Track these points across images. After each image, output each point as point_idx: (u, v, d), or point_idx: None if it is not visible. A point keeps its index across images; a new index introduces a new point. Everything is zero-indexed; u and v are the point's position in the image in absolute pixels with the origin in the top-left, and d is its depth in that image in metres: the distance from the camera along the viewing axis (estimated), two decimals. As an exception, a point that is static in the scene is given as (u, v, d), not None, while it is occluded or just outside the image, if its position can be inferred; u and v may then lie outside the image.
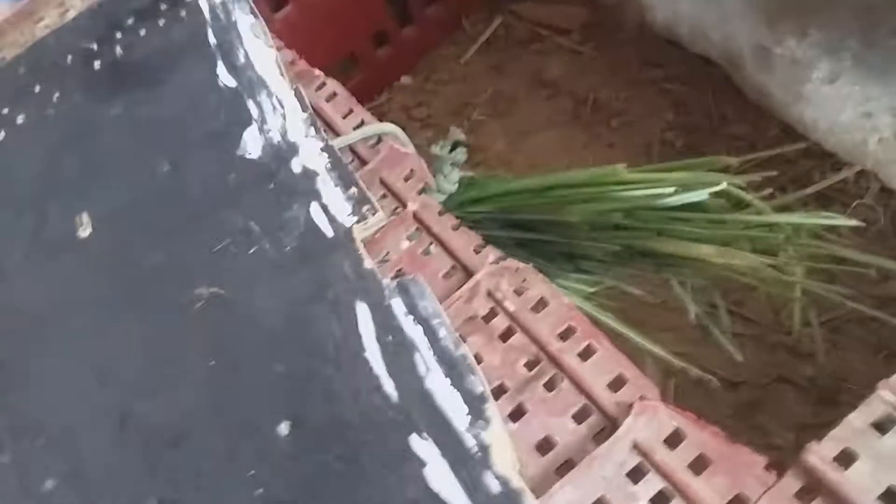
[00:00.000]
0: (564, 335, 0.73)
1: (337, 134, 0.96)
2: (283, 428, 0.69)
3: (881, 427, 0.59)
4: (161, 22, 1.11)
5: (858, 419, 0.60)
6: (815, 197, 1.38)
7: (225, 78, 1.00)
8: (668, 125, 1.57)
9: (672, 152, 1.55)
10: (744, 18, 1.37)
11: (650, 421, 0.65)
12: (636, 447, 0.63)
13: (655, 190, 0.81)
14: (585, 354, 0.71)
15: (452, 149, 1.02)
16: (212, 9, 1.10)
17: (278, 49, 1.09)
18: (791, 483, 0.59)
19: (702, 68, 1.58)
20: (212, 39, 1.05)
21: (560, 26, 1.79)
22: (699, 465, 0.62)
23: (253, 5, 1.13)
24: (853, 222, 0.78)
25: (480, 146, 1.71)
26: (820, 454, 0.58)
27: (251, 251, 0.83)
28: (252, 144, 0.92)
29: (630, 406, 0.67)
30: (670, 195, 0.80)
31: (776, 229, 0.84)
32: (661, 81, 1.63)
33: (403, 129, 1.86)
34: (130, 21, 1.14)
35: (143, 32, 1.11)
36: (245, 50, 1.03)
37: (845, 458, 0.58)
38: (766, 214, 0.85)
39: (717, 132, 1.52)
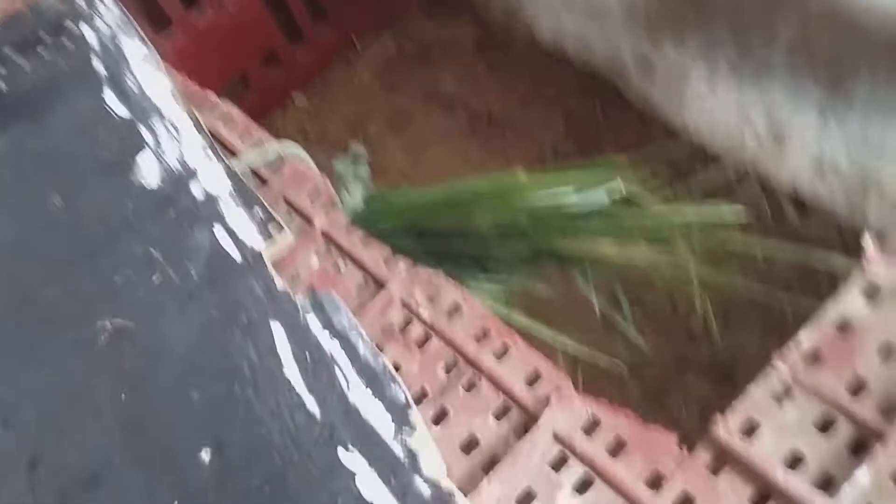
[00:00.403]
0: (479, 337, 0.75)
1: (236, 156, 0.95)
2: (205, 456, 0.68)
3: (779, 396, 0.63)
4: (45, 53, 1.08)
5: (758, 391, 0.64)
6: (701, 194, 1.45)
7: (115, 106, 0.98)
8: (560, 136, 1.63)
9: (565, 161, 1.60)
10: (625, 31, 1.43)
11: (567, 411, 0.67)
12: (556, 438, 0.65)
13: (557, 191, 0.84)
14: (501, 354, 0.73)
15: (355, 161, 1.03)
16: (98, 37, 1.07)
17: (168, 73, 1.07)
18: (702, 456, 0.62)
19: (589, 81, 1.65)
20: (99, 68, 1.02)
21: (451, 44, 1.83)
22: (616, 448, 0.64)
23: (140, 31, 1.10)
24: (738, 212, 0.83)
25: (380, 163, 1.72)
26: (726, 426, 0.62)
27: (155, 280, 0.81)
28: (148, 171, 0.90)
29: (547, 399, 0.69)
30: (570, 196, 0.83)
31: (669, 223, 0.89)
32: (551, 94, 1.69)
33: (299, 149, 1.85)
34: (11, 53, 1.10)
35: (26, 64, 1.07)
36: (135, 76, 1.01)
37: (749, 428, 0.62)
38: (658, 209, 0.90)
39: (606, 140, 1.59)
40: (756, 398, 0.64)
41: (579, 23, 1.57)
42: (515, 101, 1.72)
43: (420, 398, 0.73)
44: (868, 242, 0.69)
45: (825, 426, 0.61)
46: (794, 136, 1.31)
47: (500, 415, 0.70)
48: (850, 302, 0.67)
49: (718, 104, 1.39)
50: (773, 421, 0.62)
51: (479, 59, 1.80)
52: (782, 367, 0.65)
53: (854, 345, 0.65)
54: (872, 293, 0.67)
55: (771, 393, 0.64)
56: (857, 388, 0.62)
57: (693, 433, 1.15)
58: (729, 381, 1.26)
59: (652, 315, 1.33)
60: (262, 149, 0.94)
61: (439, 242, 0.93)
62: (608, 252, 0.85)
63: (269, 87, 1.77)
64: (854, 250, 1.29)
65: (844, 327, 0.66)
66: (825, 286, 1.10)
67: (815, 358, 0.65)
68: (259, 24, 1.66)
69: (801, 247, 1.31)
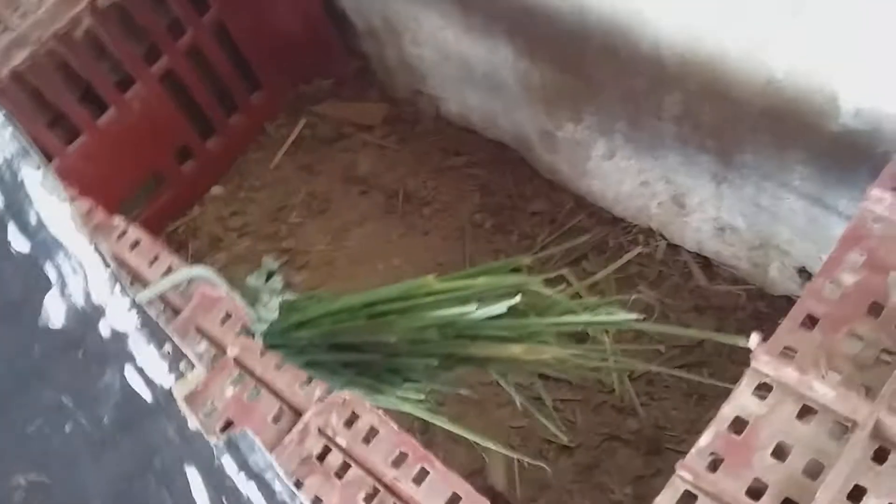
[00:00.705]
0: (398, 462, 0.76)
1: (144, 284, 0.95)
2: None
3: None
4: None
5: (664, 500, 0.66)
6: (612, 258, 1.50)
7: (17, 242, 0.96)
8: (475, 208, 1.66)
9: (483, 232, 1.63)
10: (525, 107, 1.49)
11: (487, 538, 0.68)
12: (477, 568, 0.67)
13: (462, 308, 0.86)
14: (419, 478, 0.74)
15: (268, 278, 1.03)
16: (-6, 167, 1.05)
17: (72, 199, 1.06)
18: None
19: (499, 151, 1.70)
20: (-2, 200, 1.01)
21: (362, 123, 1.85)
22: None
23: (37, 155, 1.09)
24: (634, 316, 0.87)
25: (301, 248, 1.73)
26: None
27: (68, 429, 0.80)
28: (54, 311, 0.89)
29: (467, 524, 0.70)
30: (474, 311, 0.86)
31: (575, 320, 0.92)
32: (463, 167, 1.72)
33: (220, 239, 1.85)
34: None
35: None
36: (36, 209, 0.99)
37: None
38: (564, 306, 0.93)
39: (519, 209, 1.63)
40: (662, 510, 0.66)
41: (482, 98, 1.62)
42: (428, 175, 1.75)
43: (342, 532, 0.73)
44: (754, 340, 0.73)
45: (730, 531, 0.64)
46: (692, 200, 1.37)
47: (422, 544, 0.70)
48: (743, 401, 0.71)
49: (620, 173, 1.45)
50: (678, 535, 0.65)
51: (390, 136, 1.83)
52: (686, 475, 0.67)
53: (751, 444, 0.69)
54: (763, 391, 0.71)
55: (677, 501, 0.66)
56: (757, 493, 0.65)
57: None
58: (657, 452, 1.29)
59: (577, 391, 1.36)
60: (172, 276, 0.93)
61: (355, 355, 0.94)
62: (519, 354, 0.88)
63: (185, 182, 1.76)
64: (760, 312, 1.36)
65: (740, 428, 0.69)
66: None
67: (715, 462, 0.68)
68: (168, 121, 1.65)
69: (709, 316, 1.37)
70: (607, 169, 1.45)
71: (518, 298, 0.85)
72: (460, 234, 1.65)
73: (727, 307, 1.38)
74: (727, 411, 0.70)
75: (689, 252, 1.46)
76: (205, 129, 1.78)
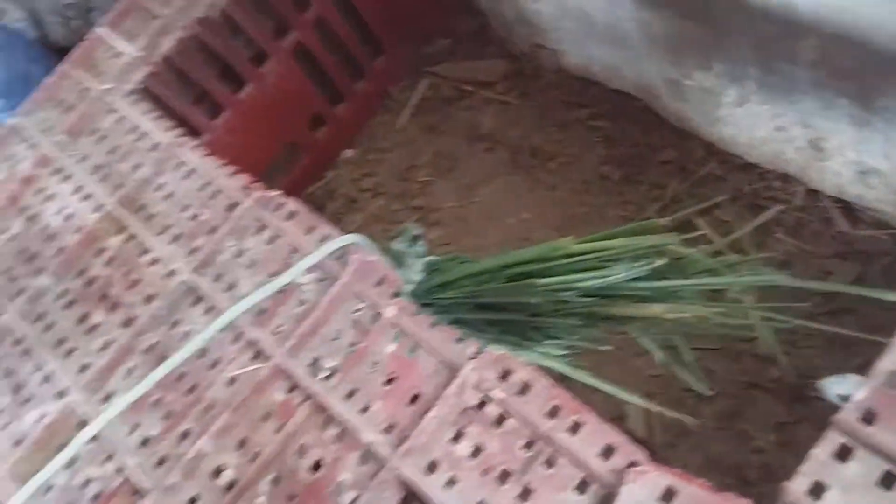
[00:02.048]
0: (552, 414, 0.81)
1: (304, 252, 1.02)
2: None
3: (842, 456, 0.68)
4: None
5: (822, 452, 0.69)
6: (748, 207, 1.48)
7: None
8: (601, 160, 1.67)
9: (611, 184, 1.64)
10: (650, 57, 1.47)
11: (644, 484, 0.73)
12: (636, 511, 0.71)
13: (604, 271, 0.89)
14: (574, 429, 0.79)
15: (412, 242, 1.10)
16: None
17: (231, 174, 1.15)
18: (773, 522, 0.67)
19: (623, 102, 1.69)
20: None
21: (483, 80, 1.88)
22: (693, 519, 0.69)
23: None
24: (777, 276, 0.87)
25: (432, 206, 1.79)
26: (794, 491, 0.67)
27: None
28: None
29: (623, 472, 0.75)
30: (618, 274, 0.89)
31: (718, 279, 0.93)
32: (587, 119, 1.73)
33: (354, 200, 1.94)
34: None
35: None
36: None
37: (817, 490, 0.66)
38: (704, 264, 0.94)
39: (647, 160, 1.62)
40: (820, 459, 0.68)
41: (604, 49, 1.61)
42: (552, 129, 1.76)
43: (504, 478, 0.79)
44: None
45: (889, 483, 0.66)
46: (831, 143, 1.33)
47: (581, 489, 0.76)
48: (899, 354, 0.71)
49: (753, 118, 1.42)
50: (839, 481, 0.67)
51: (511, 92, 1.85)
52: (842, 428, 0.69)
53: (907, 396, 0.69)
54: (920, 344, 0.71)
55: (833, 454, 0.68)
56: (915, 443, 0.66)
57: (771, 459, 1.19)
58: (801, 400, 1.29)
59: (716, 347, 1.37)
60: (327, 245, 1.01)
61: (499, 315, 0.99)
62: (660, 314, 0.90)
63: (318, 148, 1.85)
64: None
65: (896, 381, 0.70)
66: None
67: (871, 415, 0.69)
68: (300, 92, 1.73)
69: (852, 261, 1.34)
70: (739, 115, 1.42)
71: (663, 261, 0.87)
72: (588, 187, 1.66)
73: (872, 252, 1.35)
74: (885, 365, 0.71)
75: (829, 197, 1.42)
76: (334, 96, 1.86)
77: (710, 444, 1.32)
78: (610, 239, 0.94)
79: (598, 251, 0.94)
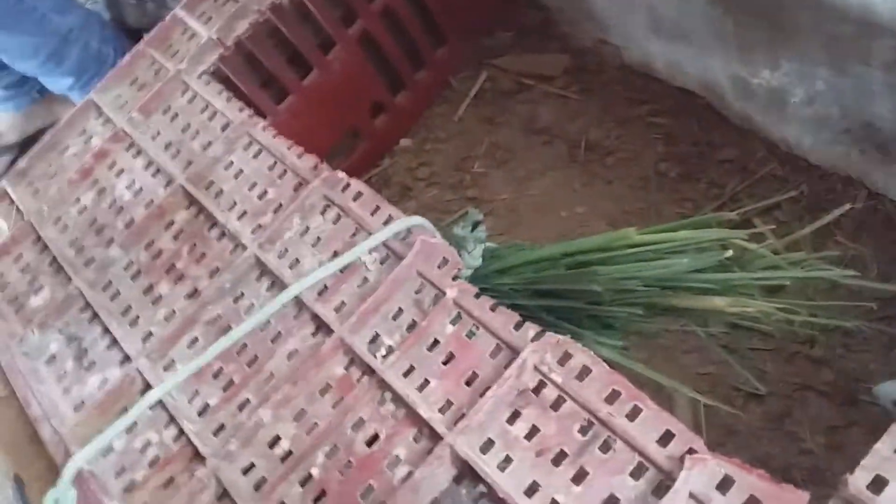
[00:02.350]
0: (610, 399, 0.82)
1: (368, 232, 1.05)
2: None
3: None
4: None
5: (885, 447, 0.68)
6: (808, 209, 1.47)
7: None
8: (660, 157, 1.66)
9: (668, 181, 1.64)
10: (716, 54, 1.46)
11: (702, 472, 0.73)
12: (693, 497, 0.72)
13: (671, 261, 0.90)
14: (632, 415, 0.80)
15: (473, 228, 1.11)
16: None
17: (300, 155, 1.18)
18: (833, 514, 0.67)
19: (685, 99, 1.68)
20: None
21: (544, 74, 1.88)
22: (751, 507, 0.70)
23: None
24: (842, 272, 0.86)
25: (486, 198, 1.80)
26: (855, 484, 0.66)
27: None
28: None
29: (681, 458, 0.75)
30: (680, 261, 0.89)
31: (780, 275, 0.92)
32: (647, 116, 1.72)
33: (409, 189, 1.97)
34: None
35: None
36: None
37: (879, 485, 0.66)
38: (769, 260, 0.93)
39: (707, 158, 1.61)
40: (883, 454, 0.68)
41: (669, 46, 1.60)
42: (612, 124, 1.76)
43: (559, 459, 0.80)
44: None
45: (953, 479, 0.65)
46: (901, 147, 1.31)
47: (637, 474, 0.76)
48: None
49: (819, 120, 1.40)
50: (900, 476, 0.66)
51: (572, 87, 1.85)
52: (907, 423, 0.69)
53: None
54: None
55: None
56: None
57: (819, 461, 1.18)
58: (853, 403, 1.27)
59: (770, 341, 1.35)
60: (393, 225, 1.03)
61: (557, 302, 1.00)
62: (722, 307, 0.90)
63: (377, 134, 1.88)
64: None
65: (965, 380, 0.69)
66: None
67: (937, 411, 0.69)
68: (364, 79, 1.76)
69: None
70: (806, 115, 1.40)
71: (729, 253, 0.87)
72: (645, 184, 1.66)
73: (931, 259, 1.33)
74: (952, 363, 0.70)
75: (893, 201, 1.40)
76: (395, 85, 1.89)
77: (758, 443, 1.31)
78: (673, 231, 0.95)
79: (661, 242, 0.94)
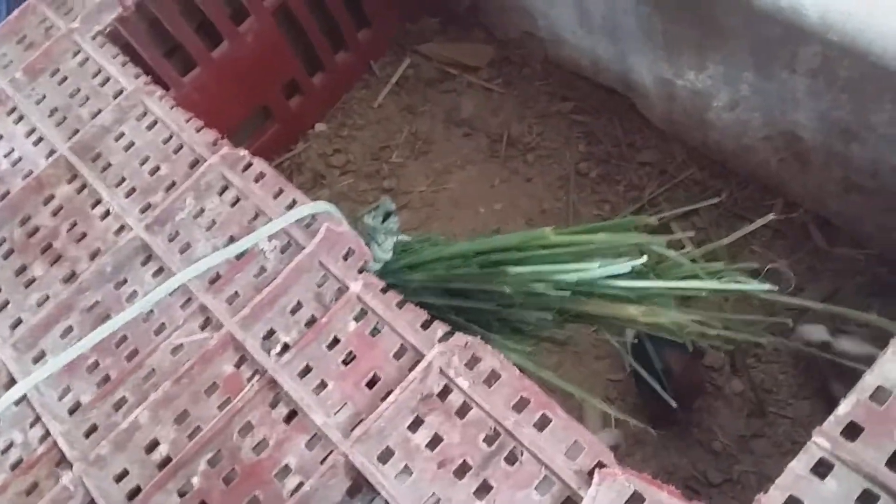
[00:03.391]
0: (519, 407, 0.76)
1: (269, 217, 0.96)
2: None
3: (820, 472, 0.64)
4: None
5: (800, 465, 0.65)
6: (726, 216, 1.46)
7: None
8: (581, 156, 1.63)
9: (588, 181, 1.61)
10: (644, 53, 1.43)
11: (610, 487, 0.68)
12: (601, 516, 0.67)
13: (583, 265, 0.85)
14: (541, 425, 0.75)
15: (385, 218, 1.04)
16: None
17: (199, 128, 1.08)
18: (747, 539, 0.63)
19: (608, 98, 1.65)
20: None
21: (468, 64, 1.83)
22: (661, 527, 0.65)
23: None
24: (766, 287, 0.84)
25: (403, 189, 1.74)
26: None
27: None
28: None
29: (590, 473, 0.70)
30: (596, 269, 0.84)
31: (695, 286, 0.89)
32: (570, 113, 1.69)
33: (322, 176, 1.88)
34: None
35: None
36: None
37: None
38: (686, 269, 0.90)
39: (627, 160, 1.59)
40: (797, 472, 0.64)
41: (596, 42, 1.57)
42: (534, 120, 1.72)
43: (462, 471, 0.74)
44: (904, 311, 0.69)
45: (868, 502, 0.62)
46: (818, 157, 1.30)
47: (543, 489, 0.71)
48: (888, 371, 0.68)
49: (741, 125, 1.39)
50: (815, 498, 0.63)
51: (496, 79, 1.80)
52: (822, 442, 0.65)
53: (893, 415, 0.66)
54: (910, 363, 0.68)
55: (811, 468, 0.64)
56: (899, 464, 0.63)
57: (730, 465, 1.15)
58: (761, 416, 1.26)
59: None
60: (296, 210, 0.95)
61: (467, 302, 0.95)
62: (636, 315, 0.86)
63: (290, 116, 1.78)
64: (881, 278, 1.30)
65: (883, 397, 0.67)
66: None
67: (854, 429, 0.66)
68: (279, 55, 1.67)
69: (826, 279, 1.31)
70: (728, 120, 1.39)
71: (644, 259, 0.83)
72: (564, 182, 1.62)
73: (845, 271, 1.33)
74: (870, 380, 0.68)
75: (808, 211, 1.40)
76: (313, 65, 1.79)
77: (667, 453, 1.29)
78: (591, 233, 0.90)
79: (578, 244, 0.90)
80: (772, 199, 1.43)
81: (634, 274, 0.87)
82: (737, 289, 0.88)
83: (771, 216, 1.06)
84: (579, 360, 1.40)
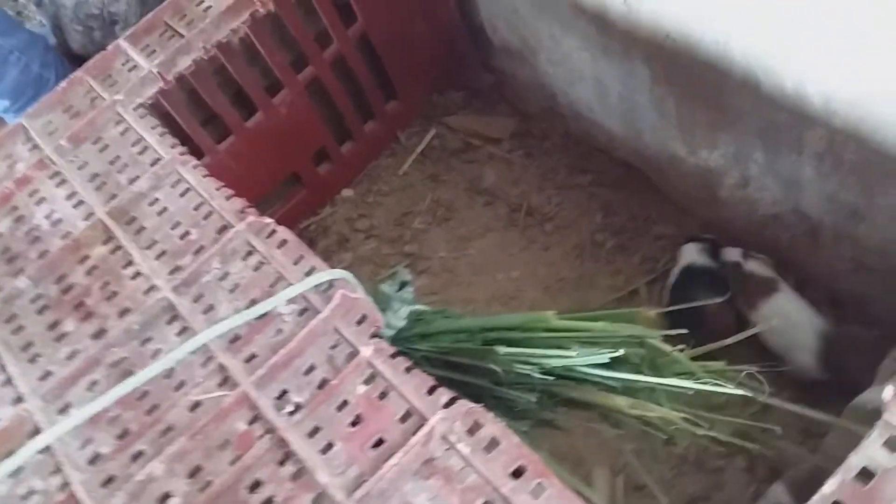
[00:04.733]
0: (516, 474, 0.79)
1: (289, 282, 1.01)
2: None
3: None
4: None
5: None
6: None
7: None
8: (597, 227, 1.67)
9: (603, 253, 1.64)
10: (658, 131, 1.48)
11: (600, 558, 0.70)
12: (590, 586, 0.68)
13: (562, 352, 0.87)
14: (536, 493, 0.77)
15: (401, 287, 1.09)
16: None
17: (228, 197, 1.14)
18: None
19: (625, 172, 1.70)
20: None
21: (491, 136, 1.89)
22: None
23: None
24: (762, 397, 0.86)
25: (424, 254, 1.79)
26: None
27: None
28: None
29: (581, 543, 0.72)
30: (574, 358, 0.87)
31: (690, 387, 0.90)
32: (588, 186, 1.74)
33: (347, 240, 1.93)
34: None
35: None
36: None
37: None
38: (683, 366, 0.92)
39: (642, 231, 1.62)
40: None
41: (613, 119, 1.63)
42: (553, 191, 1.77)
43: (460, 536, 0.77)
44: (889, 392, 0.71)
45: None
46: (827, 236, 1.33)
47: (536, 557, 0.73)
48: (872, 453, 0.70)
49: (751, 203, 1.42)
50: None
51: (517, 151, 1.86)
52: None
53: (877, 497, 0.68)
54: (894, 445, 0.69)
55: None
56: (881, 546, 0.64)
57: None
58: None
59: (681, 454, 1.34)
60: (314, 276, 1.00)
61: (465, 375, 0.98)
62: (621, 405, 0.88)
63: (319, 183, 1.86)
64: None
65: (867, 479, 0.68)
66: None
67: (839, 510, 0.67)
68: (310, 125, 1.75)
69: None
70: (739, 198, 1.42)
71: (622, 352, 0.85)
72: (580, 252, 1.66)
73: (854, 351, 1.33)
74: (855, 461, 0.69)
75: (818, 289, 1.42)
76: (342, 134, 1.87)
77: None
78: (593, 321, 0.93)
79: (578, 331, 0.92)
80: (782, 276, 1.45)
81: (626, 365, 0.89)
82: (725, 391, 0.89)
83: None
84: (574, 449, 1.38)
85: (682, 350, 0.92)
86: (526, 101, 1.86)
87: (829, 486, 0.68)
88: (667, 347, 0.91)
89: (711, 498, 1.28)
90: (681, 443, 0.98)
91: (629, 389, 0.90)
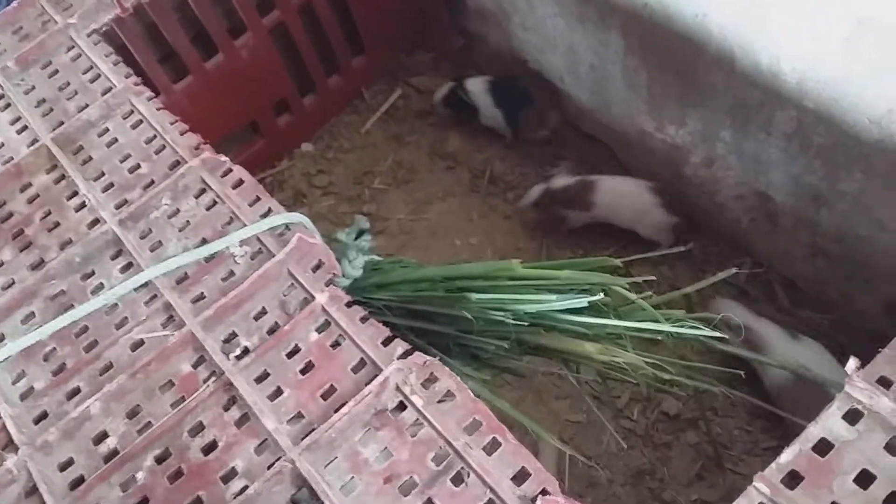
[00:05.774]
0: (470, 429, 0.77)
1: (243, 223, 0.97)
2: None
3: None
4: None
5: (738, 511, 0.66)
6: (693, 268, 1.48)
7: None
8: (559, 199, 1.65)
9: (563, 225, 1.63)
10: (628, 104, 1.47)
11: (553, 515, 0.69)
12: (540, 542, 0.67)
13: (542, 297, 0.86)
14: (490, 448, 0.75)
15: (358, 236, 1.05)
16: None
17: (183, 132, 1.09)
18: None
19: (591, 145, 1.68)
20: None
21: (458, 99, 1.86)
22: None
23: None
24: (718, 335, 0.86)
25: (382, 214, 1.75)
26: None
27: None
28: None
29: (533, 499, 0.71)
30: (554, 303, 0.85)
31: (653, 329, 0.90)
32: (553, 157, 1.71)
33: (304, 195, 1.88)
34: None
35: None
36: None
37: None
38: (647, 313, 0.91)
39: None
40: (736, 517, 0.65)
41: (583, 90, 1.61)
42: (517, 161, 1.75)
43: (409, 488, 0.74)
44: (851, 365, 0.71)
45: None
46: (787, 220, 1.34)
47: (486, 512, 0.71)
48: (831, 424, 0.69)
49: (716, 183, 1.42)
50: (751, 541, 0.64)
51: (484, 117, 1.83)
52: (763, 488, 0.66)
53: (834, 467, 0.67)
54: (854, 418, 0.69)
55: (751, 512, 0.65)
56: (834, 514, 0.64)
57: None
58: (715, 469, 1.27)
59: (639, 399, 1.35)
60: (270, 218, 0.96)
61: (429, 325, 0.95)
62: (592, 353, 0.87)
63: (278, 134, 1.80)
64: (841, 343, 1.32)
65: (825, 450, 0.68)
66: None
67: (794, 477, 0.67)
68: (271, 73, 1.69)
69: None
70: (703, 177, 1.42)
71: (601, 296, 0.84)
72: (542, 223, 1.64)
73: (807, 333, 1.35)
74: (814, 431, 0.69)
75: (775, 272, 1.43)
76: (304, 86, 1.81)
77: (618, 499, 1.29)
78: (557, 269, 0.91)
79: (543, 279, 0.91)
80: (741, 257, 1.46)
81: (595, 312, 0.88)
82: (690, 335, 0.89)
83: (733, 270, 1.09)
84: (540, 399, 1.41)
85: (647, 298, 0.91)
86: (495, 66, 1.82)
87: (787, 455, 0.68)
88: (631, 295, 0.90)
89: (657, 472, 1.29)
90: (645, 388, 0.97)
91: (598, 336, 0.89)
